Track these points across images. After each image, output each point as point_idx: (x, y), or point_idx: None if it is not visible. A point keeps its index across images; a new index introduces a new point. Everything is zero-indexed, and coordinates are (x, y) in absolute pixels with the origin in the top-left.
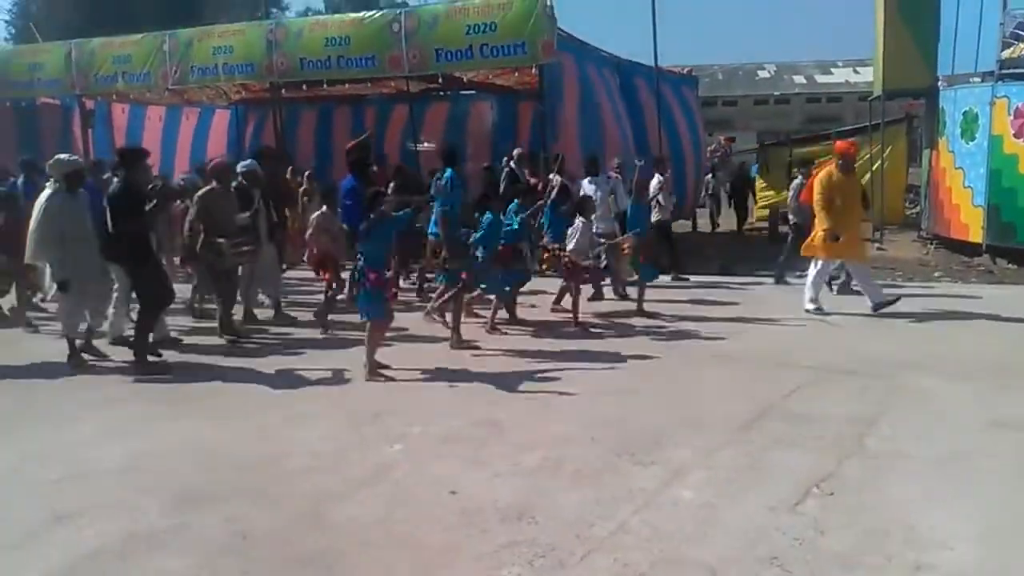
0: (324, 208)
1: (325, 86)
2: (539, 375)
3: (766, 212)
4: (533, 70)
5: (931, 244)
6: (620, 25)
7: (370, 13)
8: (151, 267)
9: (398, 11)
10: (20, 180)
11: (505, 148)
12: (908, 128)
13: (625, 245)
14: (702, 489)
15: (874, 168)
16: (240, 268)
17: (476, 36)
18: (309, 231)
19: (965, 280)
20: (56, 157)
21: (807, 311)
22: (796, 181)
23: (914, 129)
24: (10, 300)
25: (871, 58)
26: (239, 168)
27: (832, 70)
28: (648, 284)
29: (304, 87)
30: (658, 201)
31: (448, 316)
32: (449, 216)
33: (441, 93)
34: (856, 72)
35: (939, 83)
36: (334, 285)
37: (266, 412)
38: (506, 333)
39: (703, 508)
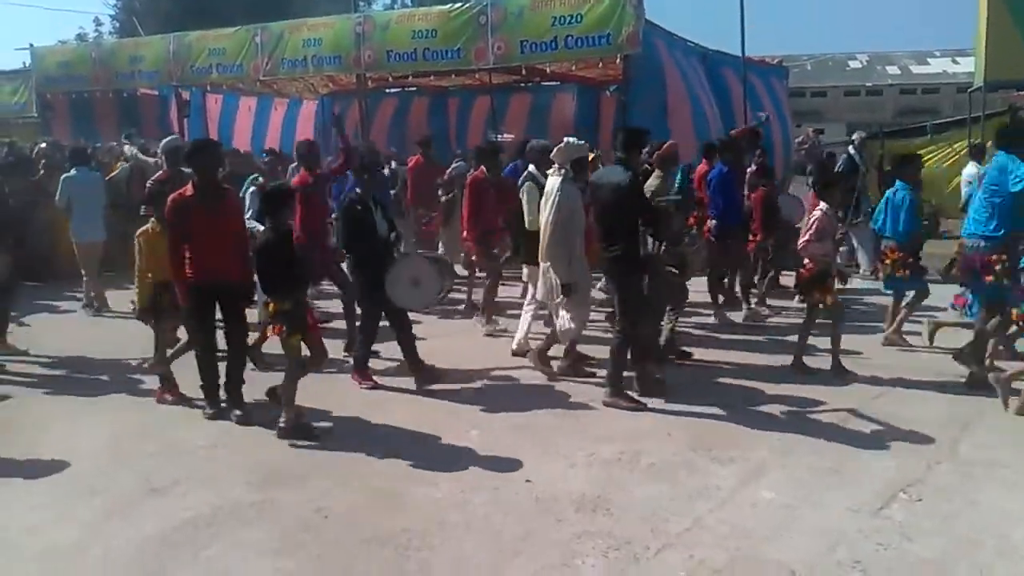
0: (823, 204)
1: (410, 78)
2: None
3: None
4: (617, 60)
5: None
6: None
7: (457, 5)
8: (640, 281)
9: (485, 3)
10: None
11: (587, 139)
12: (1011, 120)
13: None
14: (781, 489)
15: None
16: None
17: (562, 28)
18: (805, 237)
19: None
20: (565, 140)
21: None
22: None
23: (1018, 121)
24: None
25: (971, 48)
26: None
27: (929, 60)
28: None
29: (390, 78)
30: None
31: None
32: None
33: (523, 84)
34: (955, 62)
35: None
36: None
37: (348, 396)
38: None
39: (782, 508)
